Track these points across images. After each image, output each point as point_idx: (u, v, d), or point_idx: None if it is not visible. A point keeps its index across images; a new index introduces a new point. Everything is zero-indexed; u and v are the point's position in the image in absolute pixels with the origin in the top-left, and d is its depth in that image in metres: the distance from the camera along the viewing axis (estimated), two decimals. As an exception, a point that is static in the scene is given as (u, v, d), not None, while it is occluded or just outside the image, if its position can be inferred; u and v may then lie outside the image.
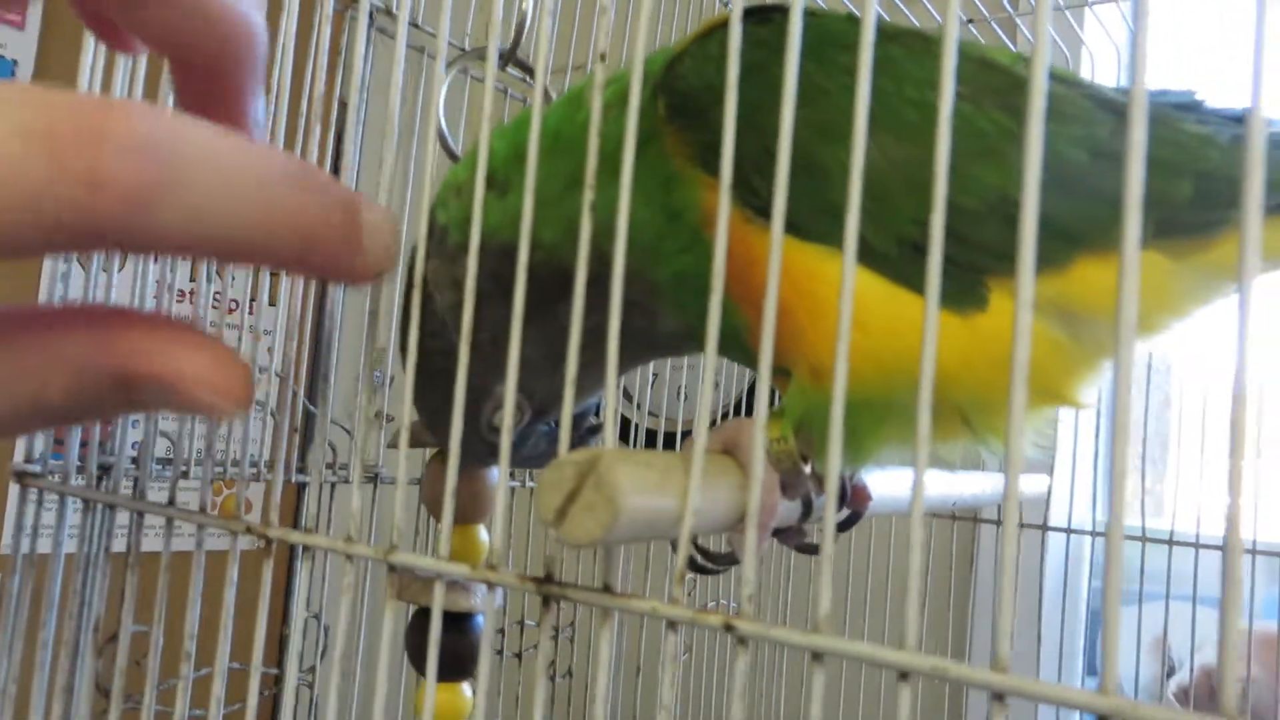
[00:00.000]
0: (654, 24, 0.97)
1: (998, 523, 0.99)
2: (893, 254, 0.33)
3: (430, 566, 0.33)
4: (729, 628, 0.27)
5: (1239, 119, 0.38)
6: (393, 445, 0.46)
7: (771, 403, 0.38)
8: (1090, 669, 1.30)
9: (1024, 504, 0.97)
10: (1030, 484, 0.84)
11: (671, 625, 0.28)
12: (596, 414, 0.44)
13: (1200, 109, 0.38)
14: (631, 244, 0.36)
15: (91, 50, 0.49)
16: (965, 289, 0.34)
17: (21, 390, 0.22)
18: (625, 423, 1.14)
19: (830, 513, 0.26)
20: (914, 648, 0.24)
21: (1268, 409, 0.90)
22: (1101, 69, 1.04)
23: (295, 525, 0.36)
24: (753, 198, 0.33)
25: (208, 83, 0.28)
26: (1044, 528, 0.98)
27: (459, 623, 0.49)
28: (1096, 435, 1.06)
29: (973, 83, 0.34)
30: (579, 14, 0.88)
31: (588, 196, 0.30)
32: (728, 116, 0.27)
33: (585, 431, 0.44)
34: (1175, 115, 0.37)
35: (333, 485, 0.74)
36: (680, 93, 0.36)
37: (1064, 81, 0.37)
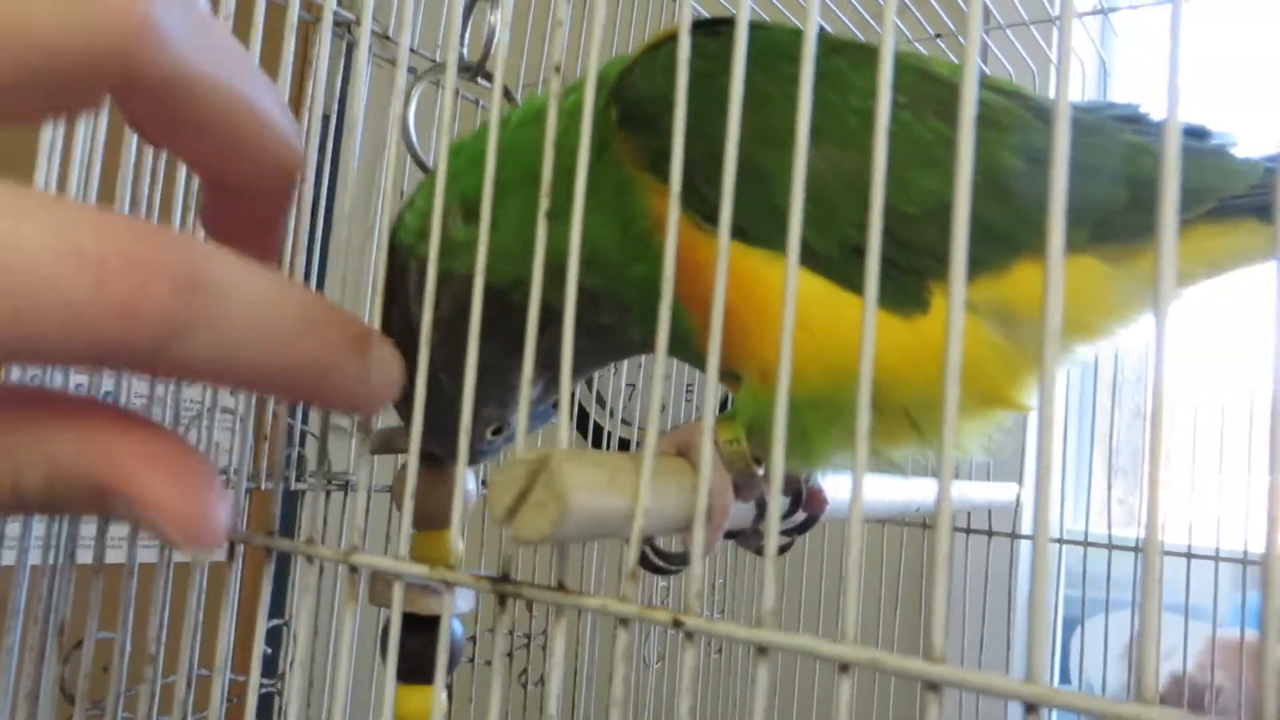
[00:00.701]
0: (609, 37, 0.98)
1: (967, 530, 1.00)
2: (835, 256, 0.34)
3: (390, 567, 0.34)
4: (677, 623, 0.27)
5: (1184, 131, 0.39)
6: (376, 451, 0.46)
7: (726, 406, 0.39)
8: (1064, 675, 1.31)
9: (993, 511, 0.98)
10: (998, 492, 0.85)
11: (623, 622, 0.29)
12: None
13: (1143, 121, 0.39)
14: (603, 267, 0.37)
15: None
16: (907, 291, 0.35)
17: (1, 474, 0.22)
18: (599, 430, 1.14)
19: (774, 509, 0.27)
20: (852, 641, 0.25)
21: (1229, 420, 0.91)
22: (1070, 85, 1.06)
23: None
24: (700, 203, 0.34)
25: (239, 205, 0.29)
26: (1013, 535, 0.99)
27: (433, 626, 0.49)
28: (1064, 443, 1.07)
29: (912, 93, 0.36)
30: (548, 25, 0.88)
31: (543, 204, 0.31)
32: (677, 124, 0.28)
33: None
34: (1114, 126, 0.38)
35: (302, 493, 0.74)
36: (631, 101, 0.37)
37: (1003, 92, 0.38)
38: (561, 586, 0.30)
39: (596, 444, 1.15)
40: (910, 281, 0.35)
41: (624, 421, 1.22)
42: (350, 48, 0.83)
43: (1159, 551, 0.22)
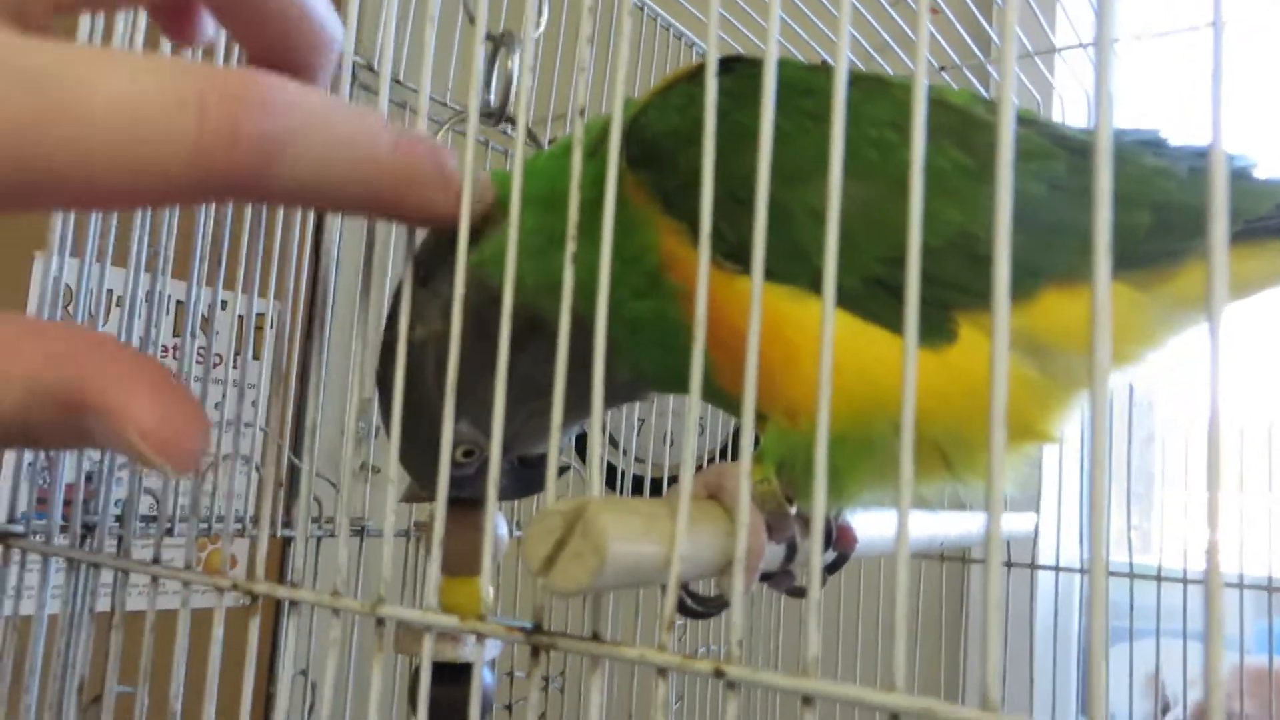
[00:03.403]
0: (631, 79, 0.98)
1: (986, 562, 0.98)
2: (859, 292, 0.34)
3: (419, 619, 0.33)
4: (719, 673, 0.27)
5: (1199, 154, 0.39)
6: (406, 500, 0.45)
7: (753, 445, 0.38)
8: (1083, 708, 1.29)
9: (1011, 542, 0.97)
10: (1017, 522, 0.84)
11: (661, 672, 0.28)
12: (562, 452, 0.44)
13: (1162, 146, 0.39)
14: (594, 300, 0.37)
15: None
16: (934, 324, 0.34)
17: None
18: (611, 469, 1.13)
19: (816, 554, 0.26)
20: (903, 690, 0.25)
21: (1249, 442, 0.91)
22: (1072, 112, 1.06)
23: (282, 580, 0.36)
24: (718, 241, 0.34)
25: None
26: (1033, 566, 0.98)
27: (461, 674, 0.48)
28: (1081, 472, 1.06)
29: (930, 123, 0.35)
30: (558, 67, 0.89)
31: (569, 248, 0.30)
32: (705, 163, 0.28)
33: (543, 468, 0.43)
34: (1134, 150, 0.38)
35: (319, 539, 0.73)
36: (644, 141, 0.37)
37: (1020, 120, 0.38)
38: (597, 637, 0.29)
39: (610, 483, 1.14)
40: (935, 313, 0.34)
41: (636, 459, 1.21)
42: (362, 91, 0.83)
43: (1219, 588, 0.21)
